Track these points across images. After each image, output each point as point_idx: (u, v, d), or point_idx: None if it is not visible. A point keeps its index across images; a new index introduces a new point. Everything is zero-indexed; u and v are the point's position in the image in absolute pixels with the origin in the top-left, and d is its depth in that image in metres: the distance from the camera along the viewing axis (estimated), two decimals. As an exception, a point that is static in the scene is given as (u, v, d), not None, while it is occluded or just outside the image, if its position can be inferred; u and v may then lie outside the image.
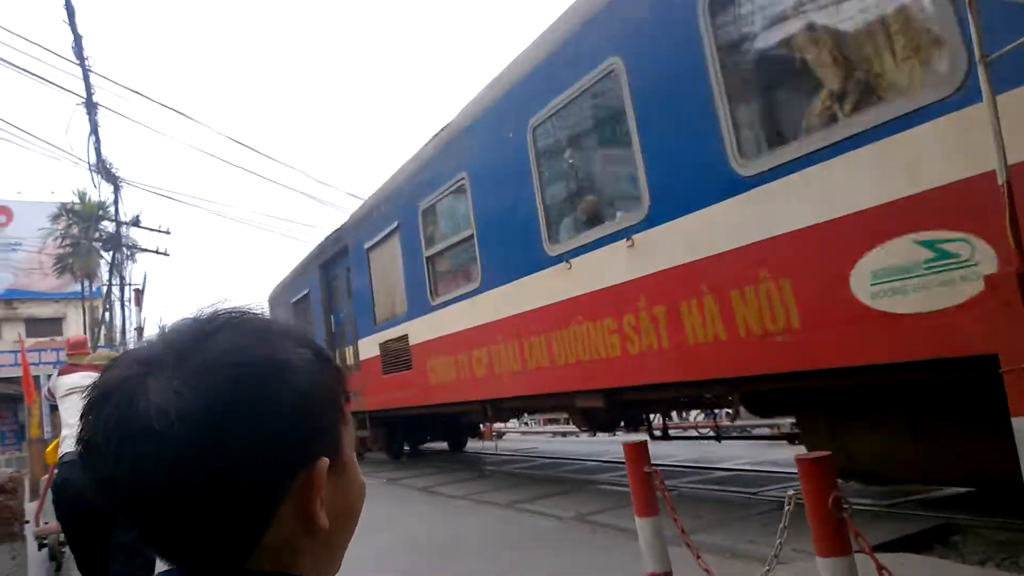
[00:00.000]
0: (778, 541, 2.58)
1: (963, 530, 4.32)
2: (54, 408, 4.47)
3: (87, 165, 18.90)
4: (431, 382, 8.56)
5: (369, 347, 10.51)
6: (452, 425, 12.61)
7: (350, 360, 11.50)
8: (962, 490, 5.51)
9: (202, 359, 0.57)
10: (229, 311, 0.62)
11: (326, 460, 0.59)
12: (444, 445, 13.67)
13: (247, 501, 0.56)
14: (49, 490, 4.43)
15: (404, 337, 9.15)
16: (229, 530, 0.56)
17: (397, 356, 9.47)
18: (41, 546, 6.15)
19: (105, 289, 23.86)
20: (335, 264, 12.08)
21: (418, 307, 8.68)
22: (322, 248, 12.58)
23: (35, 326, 32.72)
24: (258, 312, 0.64)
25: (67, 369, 4.08)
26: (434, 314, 8.30)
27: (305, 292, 13.54)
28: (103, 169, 19.51)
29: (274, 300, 15.94)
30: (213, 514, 0.55)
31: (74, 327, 31.08)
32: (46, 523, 5.57)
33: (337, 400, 0.64)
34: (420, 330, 8.73)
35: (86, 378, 3.59)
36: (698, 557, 2.93)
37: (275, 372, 0.58)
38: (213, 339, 0.58)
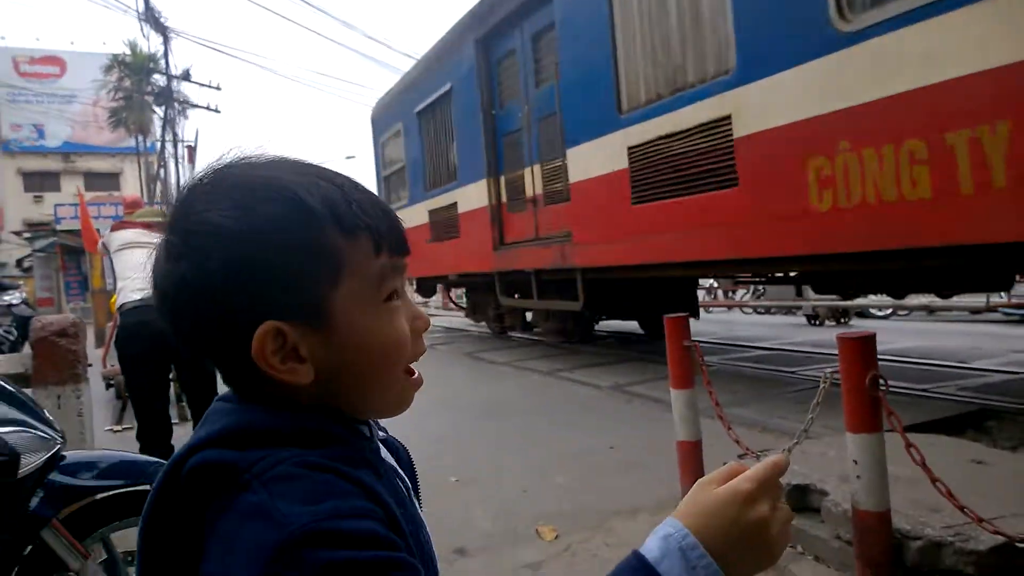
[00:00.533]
0: (809, 416, 2.63)
1: (999, 415, 4.35)
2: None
3: (136, 14, 18.66)
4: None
5: (595, 159, 6.07)
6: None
7: (538, 188, 7.33)
8: (1006, 374, 5.51)
9: (183, 215, 0.62)
10: (229, 165, 0.64)
11: (269, 324, 0.59)
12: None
13: (222, 346, 0.62)
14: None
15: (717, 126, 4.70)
16: (234, 369, 0.63)
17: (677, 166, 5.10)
18: (108, 386, 6.89)
19: (159, 145, 24.17)
20: (512, 31, 7.54)
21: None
22: (487, 6, 7.87)
23: (93, 180, 33.60)
24: (269, 169, 0.64)
25: (119, 225, 4.26)
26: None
27: (444, 89, 9.18)
28: (152, 19, 19.25)
29: (383, 116, 12.06)
30: (209, 349, 0.63)
31: (131, 183, 31.82)
32: (112, 365, 6.28)
33: (332, 265, 0.61)
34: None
35: (140, 235, 3.93)
36: (729, 428, 3.02)
37: (231, 227, 0.59)
38: (195, 210, 0.62)
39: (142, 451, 3.42)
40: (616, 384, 6.27)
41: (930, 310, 11.10)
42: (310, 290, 0.60)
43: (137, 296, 3.63)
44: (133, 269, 3.73)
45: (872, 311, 11.53)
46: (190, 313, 0.61)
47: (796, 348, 8.12)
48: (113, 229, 4.22)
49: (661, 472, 3.70)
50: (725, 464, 0.67)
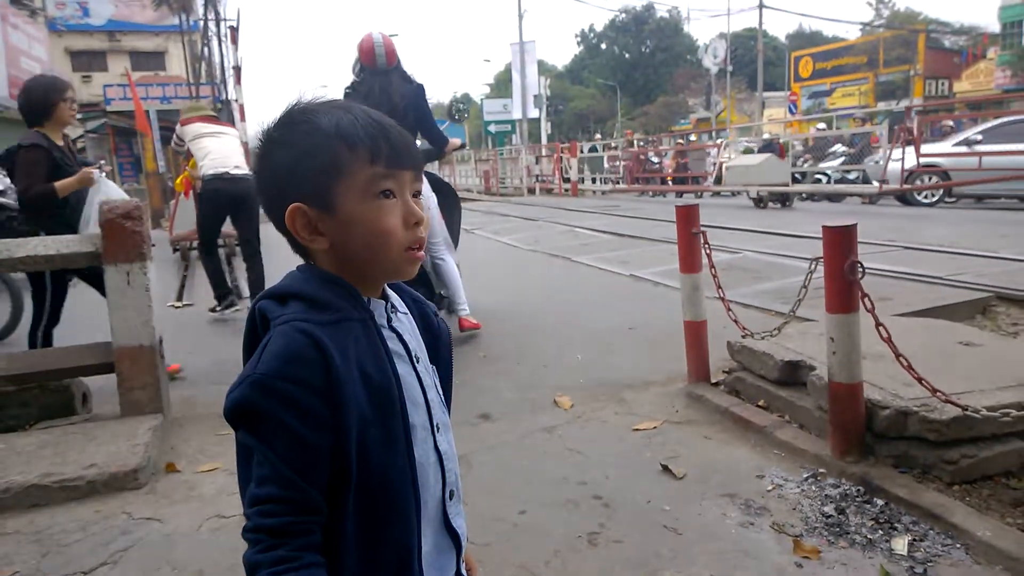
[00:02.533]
0: (797, 299, 2.86)
1: (1012, 302, 4.49)
2: (178, 152, 6.67)
3: None
4: None
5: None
6: None
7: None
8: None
9: (265, 132, 0.94)
10: (295, 106, 0.94)
11: (297, 206, 0.88)
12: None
13: (276, 219, 0.92)
14: (179, 206, 8.37)
15: None
16: (285, 233, 0.92)
17: None
18: (175, 250, 8.68)
19: (201, 24, 24.01)
20: None
21: None
22: None
23: (139, 60, 33.69)
24: (314, 108, 0.92)
25: (186, 120, 5.90)
26: None
27: None
28: None
29: None
30: (275, 223, 0.93)
31: (176, 63, 31.78)
32: (177, 233, 8.28)
33: (332, 160, 0.87)
34: None
35: (204, 126, 5.79)
36: (728, 309, 3.27)
37: (274, 146, 0.91)
38: (268, 129, 0.94)
39: (202, 255, 5.80)
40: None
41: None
42: (321, 183, 0.87)
43: (211, 171, 5.49)
44: (208, 152, 5.59)
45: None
46: (264, 194, 0.93)
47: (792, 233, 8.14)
48: (183, 124, 5.90)
49: (673, 350, 4.00)
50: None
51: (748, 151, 16.88)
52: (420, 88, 4.66)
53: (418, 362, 0.95)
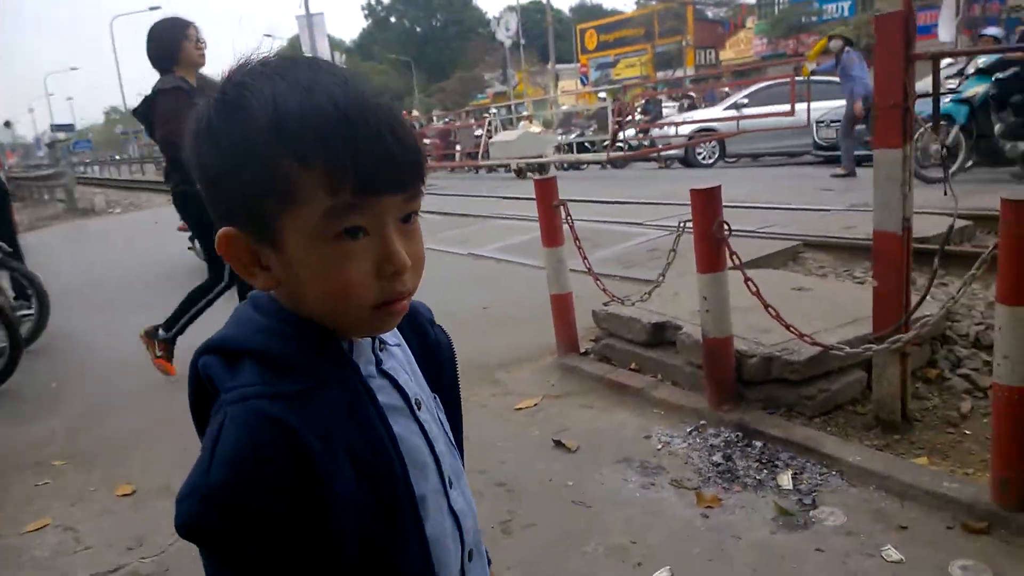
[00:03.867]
0: (667, 262, 3.00)
1: (814, 247, 5.02)
2: None
3: None
4: None
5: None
6: None
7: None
8: (815, 212, 6.25)
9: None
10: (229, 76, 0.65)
11: (224, 230, 0.65)
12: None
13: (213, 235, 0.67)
14: None
15: None
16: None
17: None
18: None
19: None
20: None
21: None
22: None
23: None
24: (249, 63, 0.65)
25: None
26: None
27: None
28: None
29: None
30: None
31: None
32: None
33: (274, 192, 0.61)
34: None
35: None
36: (596, 279, 3.36)
37: (208, 136, 0.64)
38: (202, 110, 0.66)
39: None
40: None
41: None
42: (258, 209, 0.62)
43: None
44: None
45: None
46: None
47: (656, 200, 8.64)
48: None
49: (534, 325, 4.06)
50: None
51: (547, 123, 17.78)
52: None
53: (420, 409, 0.75)
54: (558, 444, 2.82)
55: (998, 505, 2.02)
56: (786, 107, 10.88)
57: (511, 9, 36.55)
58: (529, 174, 13.68)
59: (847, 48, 9.22)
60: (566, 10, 62.37)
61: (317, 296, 0.65)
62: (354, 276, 0.63)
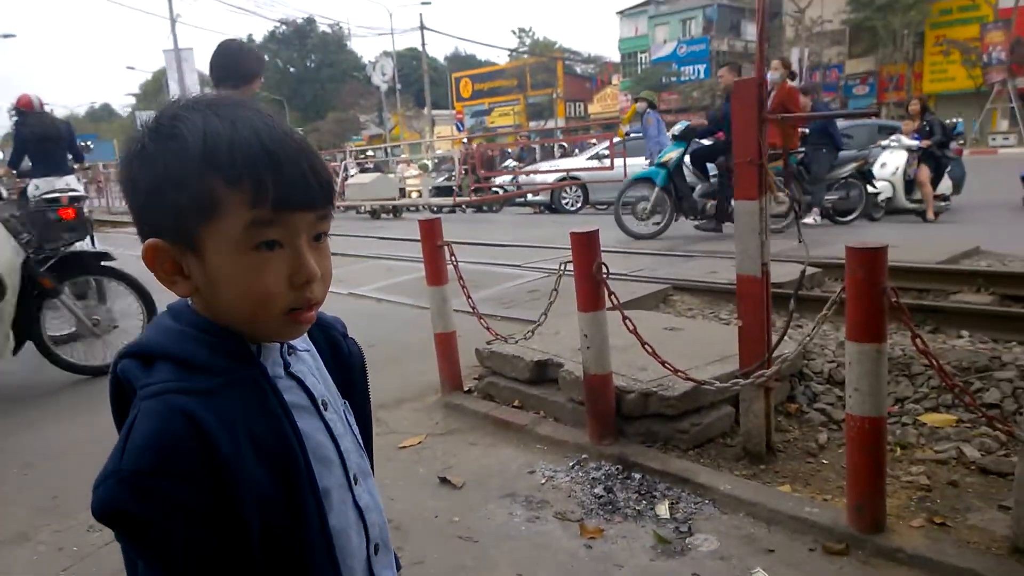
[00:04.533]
0: (549, 301, 3.10)
1: (682, 291, 5.32)
2: None
3: None
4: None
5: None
6: None
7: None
8: (688, 256, 6.64)
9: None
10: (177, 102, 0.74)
11: (154, 242, 0.72)
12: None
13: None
14: None
15: None
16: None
17: None
18: None
19: None
20: None
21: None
22: None
23: None
24: (181, 101, 0.74)
25: None
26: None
27: None
28: None
29: None
30: None
31: None
32: None
33: (203, 197, 0.69)
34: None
35: None
36: (480, 318, 3.41)
37: (143, 158, 0.72)
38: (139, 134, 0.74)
39: None
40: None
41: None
42: (184, 221, 0.70)
43: None
44: None
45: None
46: (131, 211, 0.75)
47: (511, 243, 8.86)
48: None
49: (415, 364, 4.05)
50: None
51: (423, 167, 18.11)
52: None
53: (326, 409, 0.82)
54: (444, 481, 2.81)
55: (854, 528, 2.20)
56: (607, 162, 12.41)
57: (387, 54, 36.84)
58: (384, 215, 14.53)
59: (648, 110, 10.22)
60: (441, 58, 63.49)
61: (233, 302, 0.72)
62: (270, 283, 0.72)
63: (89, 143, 12.72)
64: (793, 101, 7.73)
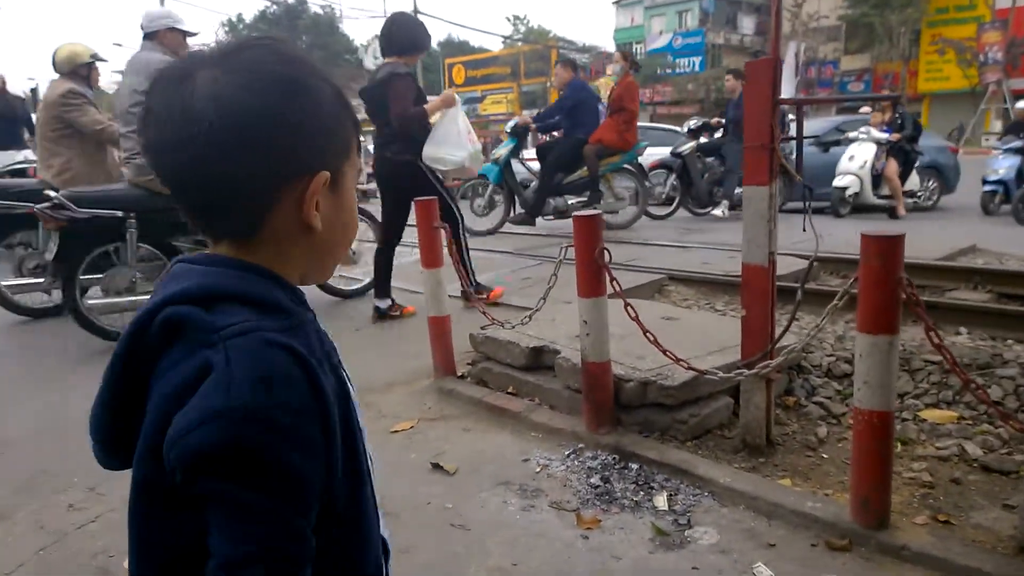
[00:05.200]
0: (548, 286, 3.02)
1: (677, 281, 5.26)
2: None
3: None
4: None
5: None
6: None
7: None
8: (681, 247, 6.58)
9: (238, 61, 0.68)
10: (268, 36, 0.73)
11: (325, 174, 0.71)
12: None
13: (250, 187, 0.68)
14: None
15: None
16: (233, 209, 0.69)
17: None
18: None
19: None
20: None
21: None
22: None
23: None
24: (293, 44, 0.75)
25: None
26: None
27: None
28: None
29: None
30: (221, 191, 0.68)
31: None
32: None
33: (346, 136, 0.75)
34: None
35: None
36: (474, 302, 3.33)
37: (296, 91, 0.69)
38: (251, 50, 0.70)
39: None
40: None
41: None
42: (335, 158, 0.74)
43: None
44: None
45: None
46: (256, 147, 0.68)
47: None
48: None
49: (405, 347, 3.97)
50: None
51: None
52: None
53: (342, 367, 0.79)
54: (436, 467, 2.74)
55: (858, 523, 2.15)
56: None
57: (378, 37, 36.44)
58: (374, 198, 13.87)
59: None
60: (434, 44, 63.02)
61: (345, 229, 0.78)
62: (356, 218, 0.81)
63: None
64: (632, 95, 7.85)
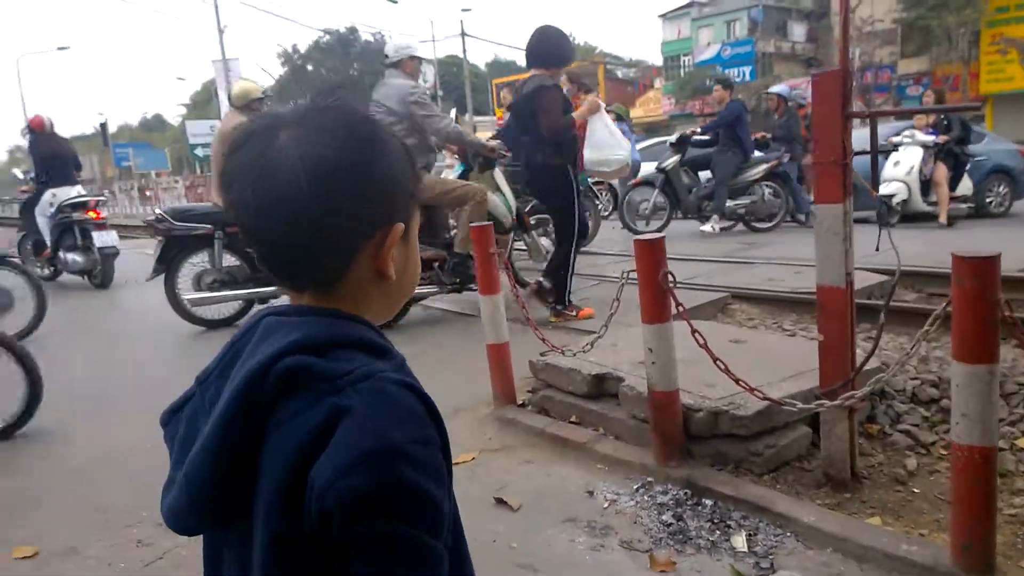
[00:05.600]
0: (610, 312, 2.91)
1: (740, 299, 5.08)
2: None
3: None
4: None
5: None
6: None
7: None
8: (741, 263, 6.39)
9: (320, 122, 0.71)
10: (342, 98, 0.75)
11: (401, 226, 0.74)
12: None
13: (336, 243, 0.71)
14: None
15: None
16: (319, 264, 0.72)
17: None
18: None
19: None
20: None
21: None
22: None
23: None
24: (365, 106, 0.78)
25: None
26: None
27: None
28: None
29: None
30: (308, 248, 0.70)
31: None
32: None
33: (413, 187, 0.77)
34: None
35: None
36: (535, 329, 3.24)
37: (375, 149, 0.73)
38: (329, 111, 0.72)
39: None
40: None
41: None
42: (407, 206, 0.77)
43: None
44: None
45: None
46: (363, 203, 0.72)
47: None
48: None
49: (464, 374, 3.89)
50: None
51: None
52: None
53: None
54: (500, 502, 2.64)
55: (960, 569, 1.98)
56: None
57: (428, 62, 36.90)
58: None
59: (617, 122, 10.24)
60: (481, 65, 63.58)
61: (408, 283, 0.80)
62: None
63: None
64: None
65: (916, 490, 2.56)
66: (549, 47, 4.56)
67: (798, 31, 41.08)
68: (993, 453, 1.94)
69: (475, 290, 3.81)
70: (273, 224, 0.69)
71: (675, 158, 9.00)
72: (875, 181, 2.65)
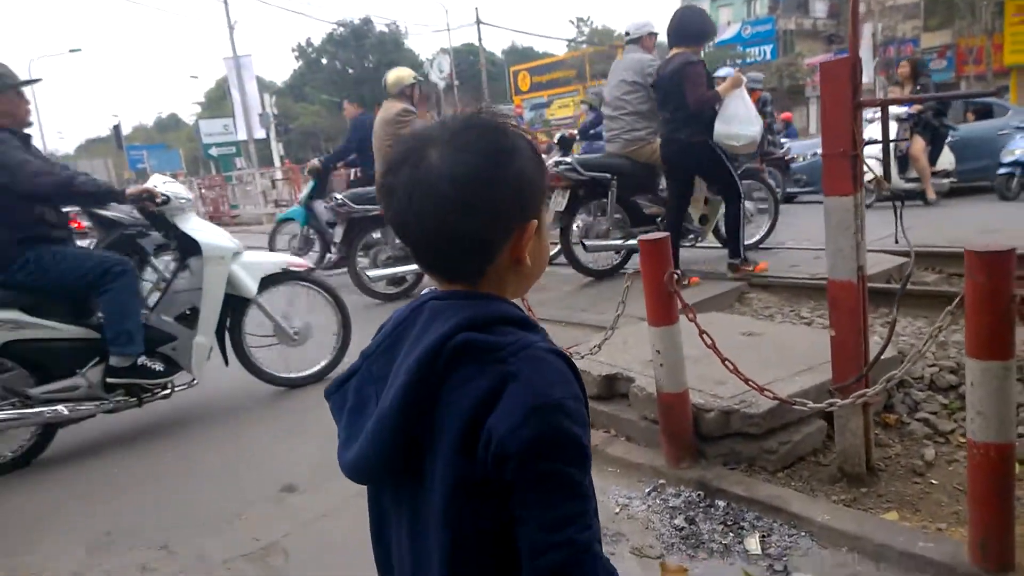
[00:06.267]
0: (617, 313, 2.87)
1: (759, 288, 4.99)
2: None
3: None
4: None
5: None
6: None
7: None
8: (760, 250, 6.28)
9: (464, 140, 0.82)
10: (483, 112, 0.87)
11: (535, 222, 0.86)
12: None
13: (483, 241, 0.83)
14: None
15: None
16: (468, 259, 0.85)
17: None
18: None
19: None
20: None
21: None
22: None
23: None
24: (499, 113, 0.88)
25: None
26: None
27: None
28: None
29: None
30: (459, 247, 0.83)
31: None
32: None
33: (544, 184, 0.89)
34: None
35: None
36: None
37: (511, 157, 0.83)
38: (471, 130, 0.84)
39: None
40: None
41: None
42: (537, 206, 0.88)
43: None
44: None
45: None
46: (501, 202, 0.84)
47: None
48: None
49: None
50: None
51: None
52: None
53: None
54: (510, 510, 2.62)
55: (978, 567, 1.92)
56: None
57: (444, 51, 36.80)
58: None
59: (590, 112, 10.27)
60: (498, 52, 63.34)
61: (539, 268, 0.92)
62: None
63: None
64: None
65: (934, 481, 2.50)
66: (692, 26, 4.92)
67: (820, 7, 40.34)
68: (1010, 450, 1.88)
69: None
70: (428, 230, 0.82)
71: (308, 189, 8.62)
72: (887, 171, 2.57)
